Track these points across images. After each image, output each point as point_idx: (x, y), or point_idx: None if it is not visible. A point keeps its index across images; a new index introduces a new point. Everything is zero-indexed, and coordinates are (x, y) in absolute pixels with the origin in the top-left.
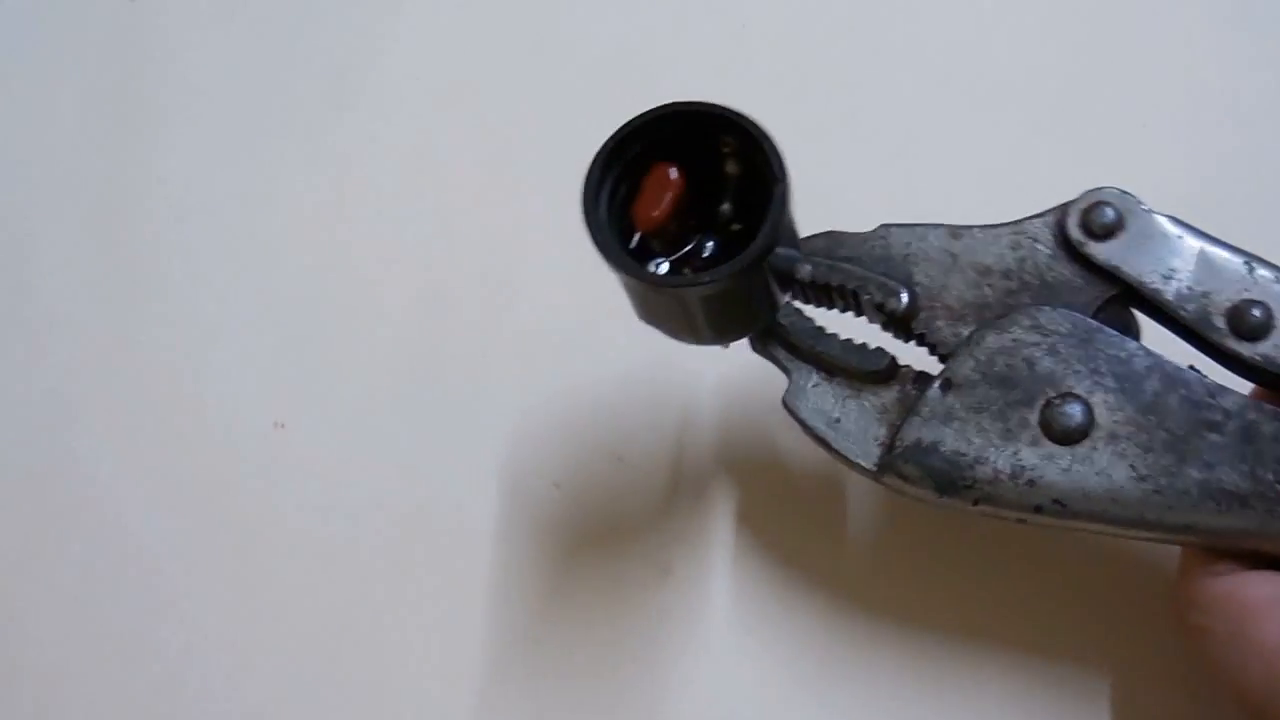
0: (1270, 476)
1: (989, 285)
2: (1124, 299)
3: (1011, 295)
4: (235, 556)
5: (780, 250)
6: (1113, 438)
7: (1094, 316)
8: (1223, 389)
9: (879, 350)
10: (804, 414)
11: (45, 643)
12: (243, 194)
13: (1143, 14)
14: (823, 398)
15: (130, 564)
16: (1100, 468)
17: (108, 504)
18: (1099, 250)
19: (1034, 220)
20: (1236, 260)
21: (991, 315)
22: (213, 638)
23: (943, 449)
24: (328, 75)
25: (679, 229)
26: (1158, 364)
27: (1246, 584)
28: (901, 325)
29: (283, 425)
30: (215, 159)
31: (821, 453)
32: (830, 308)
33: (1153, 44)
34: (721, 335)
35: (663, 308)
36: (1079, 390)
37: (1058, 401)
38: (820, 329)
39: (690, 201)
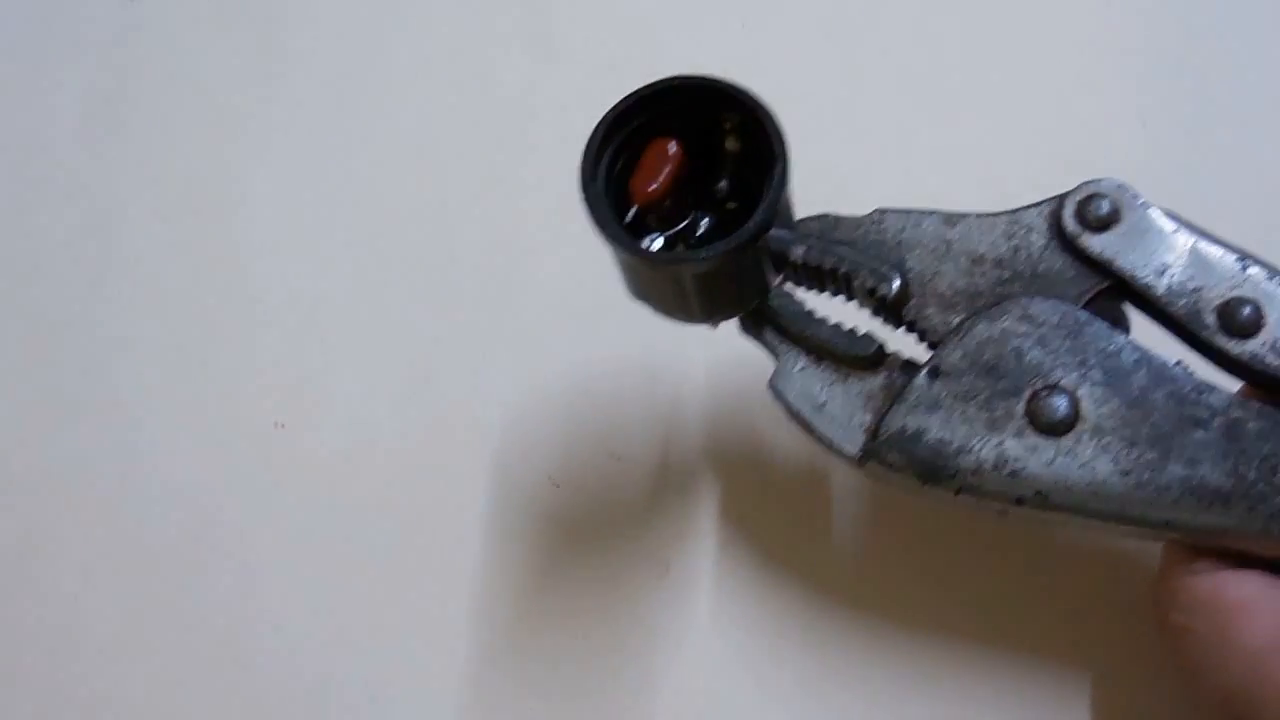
0: (1253, 475)
1: (981, 273)
2: (1115, 292)
3: (1003, 284)
4: (235, 556)
5: (775, 230)
6: (1098, 431)
7: (1084, 308)
8: (1210, 386)
9: (867, 336)
10: (789, 397)
11: (44, 643)
12: (242, 193)
13: (1143, 10)
14: (809, 381)
15: (130, 564)
16: (1084, 461)
17: (108, 504)
18: (1093, 242)
19: (1030, 210)
20: (1230, 257)
21: (983, 304)
22: (212, 637)
23: (927, 437)
24: (328, 75)
25: (675, 205)
26: (1146, 359)
27: (1228, 584)
28: (892, 311)
29: (283, 425)
30: (215, 159)
31: (816, 450)
32: (822, 291)
33: (1153, 44)
34: (712, 314)
35: (655, 284)
36: (1066, 382)
37: (1044, 393)
38: (810, 313)
39: (688, 178)
